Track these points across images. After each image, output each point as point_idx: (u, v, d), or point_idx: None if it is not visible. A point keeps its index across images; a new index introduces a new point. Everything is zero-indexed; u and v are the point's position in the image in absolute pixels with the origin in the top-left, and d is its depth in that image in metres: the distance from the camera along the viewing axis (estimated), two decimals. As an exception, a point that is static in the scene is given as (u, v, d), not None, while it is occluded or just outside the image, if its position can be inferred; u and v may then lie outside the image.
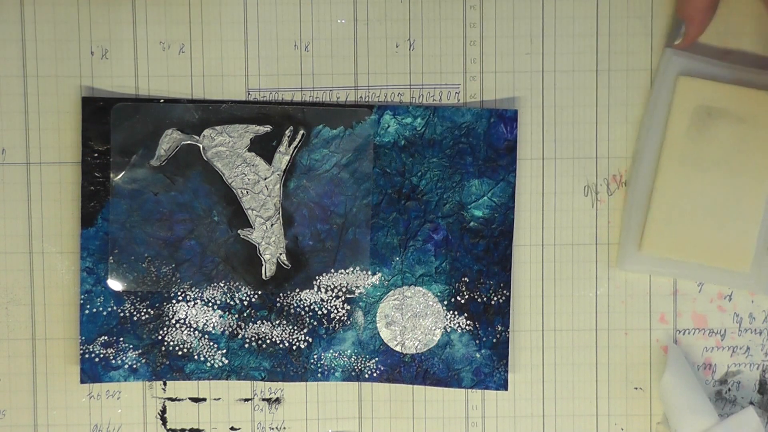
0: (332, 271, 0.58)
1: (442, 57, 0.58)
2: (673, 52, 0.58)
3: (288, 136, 0.58)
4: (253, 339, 0.58)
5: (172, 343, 0.58)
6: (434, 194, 0.58)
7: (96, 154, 0.58)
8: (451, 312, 0.59)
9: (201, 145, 0.58)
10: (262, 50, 0.58)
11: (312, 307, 0.58)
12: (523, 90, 0.59)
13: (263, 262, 0.58)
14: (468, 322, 0.59)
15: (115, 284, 0.58)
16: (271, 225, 0.58)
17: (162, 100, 0.58)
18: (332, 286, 0.58)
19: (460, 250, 0.58)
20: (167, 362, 0.58)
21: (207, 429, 0.60)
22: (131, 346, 0.58)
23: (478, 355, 0.59)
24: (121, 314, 0.58)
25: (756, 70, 0.58)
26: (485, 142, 0.58)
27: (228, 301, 0.58)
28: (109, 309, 0.58)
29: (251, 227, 0.58)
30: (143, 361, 0.58)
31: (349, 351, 0.59)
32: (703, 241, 0.57)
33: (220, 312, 0.58)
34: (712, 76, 0.57)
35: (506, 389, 0.59)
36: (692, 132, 0.57)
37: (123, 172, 0.58)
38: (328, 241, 0.58)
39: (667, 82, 0.58)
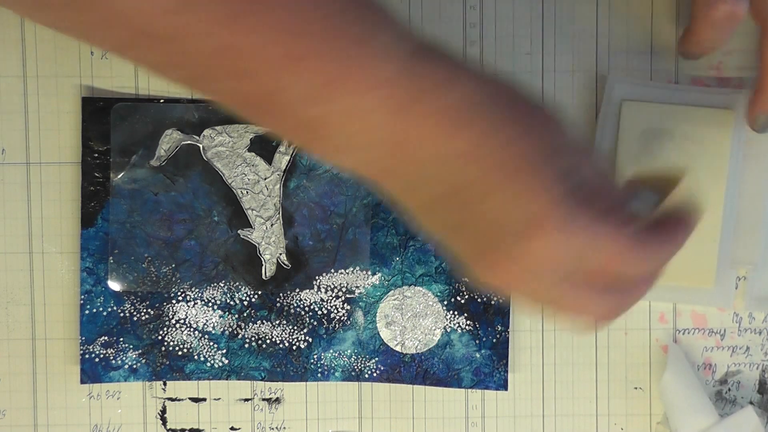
0: (332, 271, 0.58)
1: (442, 57, 0.58)
2: (616, 78, 0.58)
3: (288, 136, 0.58)
4: (253, 339, 0.58)
5: (172, 343, 0.58)
6: (434, 194, 0.58)
7: (96, 154, 0.58)
8: (451, 312, 0.59)
9: (201, 145, 0.58)
10: (262, 50, 0.58)
11: (312, 307, 0.58)
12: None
13: (263, 262, 0.58)
14: (468, 322, 0.59)
15: (115, 284, 0.58)
16: (271, 225, 0.58)
17: (162, 100, 0.58)
18: (332, 286, 0.58)
19: (460, 250, 0.58)
20: (167, 362, 0.58)
21: (207, 429, 0.60)
22: (131, 347, 0.58)
23: (478, 355, 0.59)
24: (121, 314, 0.58)
25: (697, 88, 0.58)
26: (485, 142, 0.58)
27: (228, 301, 0.58)
28: (109, 309, 0.58)
29: (251, 227, 0.58)
30: (143, 361, 0.58)
31: (349, 351, 0.59)
32: None
33: (220, 312, 0.58)
34: (655, 98, 0.58)
35: (506, 389, 0.59)
36: (642, 156, 0.57)
37: (123, 172, 0.58)
38: (328, 241, 0.58)
39: (612, 109, 0.58)
